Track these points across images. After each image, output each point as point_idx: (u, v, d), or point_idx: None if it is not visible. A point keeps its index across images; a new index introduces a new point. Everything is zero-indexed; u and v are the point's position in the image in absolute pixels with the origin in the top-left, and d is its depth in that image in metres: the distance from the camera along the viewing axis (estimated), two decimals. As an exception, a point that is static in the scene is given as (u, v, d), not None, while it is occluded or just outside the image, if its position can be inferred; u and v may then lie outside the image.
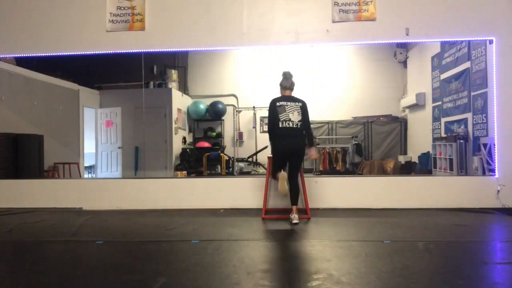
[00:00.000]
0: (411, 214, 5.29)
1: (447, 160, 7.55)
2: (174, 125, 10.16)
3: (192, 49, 7.51)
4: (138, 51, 6.28)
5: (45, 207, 6.01)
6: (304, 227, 4.64)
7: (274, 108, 4.85)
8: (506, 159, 5.64)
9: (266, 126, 11.35)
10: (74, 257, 3.59)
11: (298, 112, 4.85)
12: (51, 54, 6.27)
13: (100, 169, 10.18)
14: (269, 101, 4.95)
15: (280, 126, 4.77)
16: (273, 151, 5.00)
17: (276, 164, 4.91)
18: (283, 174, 4.71)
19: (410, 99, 10.04)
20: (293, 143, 4.80)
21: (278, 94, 5.07)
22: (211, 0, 6.06)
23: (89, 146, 10.29)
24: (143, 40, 6.06)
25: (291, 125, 4.77)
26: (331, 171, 10.22)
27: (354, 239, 3.99)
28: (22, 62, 8.06)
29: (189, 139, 11.20)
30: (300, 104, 4.92)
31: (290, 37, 5.94)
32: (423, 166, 8.84)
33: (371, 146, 10.68)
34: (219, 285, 2.75)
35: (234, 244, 3.87)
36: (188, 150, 10.44)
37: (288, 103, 4.87)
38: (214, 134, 11.17)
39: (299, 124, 4.82)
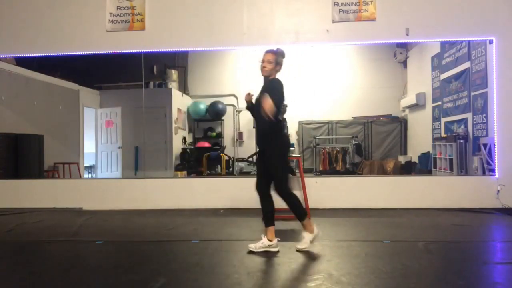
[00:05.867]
0: (411, 214, 5.29)
1: (447, 160, 7.55)
2: (174, 125, 10.15)
3: (192, 49, 7.50)
4: (138, 51, 6.29)
5: (45, 207, 6.01)
6: (304, 227, 4.63)
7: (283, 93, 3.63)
8: (506, 159, 5.65)
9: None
10: (74, 257, 3.59)
11: None
12: (51, 54, 6.29)
13: (100, 169, 10.18)
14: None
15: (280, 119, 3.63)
16: (281, 149, 3.63)
17: (285, 169, 3.62)
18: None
19: (410, 99, 10.04)
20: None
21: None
22: (211, 0, 6.06)
23: (89, 146, 10.29)
24: (143, 40, 6.07)
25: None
26: (331, 171, 10.21)
27: (354, 239, 3.99)
28: (22, 62, 8.06)
29: (189, 139, 11.20)
30: None
31: (290, 37, 5.94)
32: (423, 166, 8.84)
33: (371, 146, 10.67)
34: (219, 285, 2.75)
35: (234, 244, 3.86)
36: (188, 150, 10.44)
37: None
38: (214, 134, 11.17)
39: None
